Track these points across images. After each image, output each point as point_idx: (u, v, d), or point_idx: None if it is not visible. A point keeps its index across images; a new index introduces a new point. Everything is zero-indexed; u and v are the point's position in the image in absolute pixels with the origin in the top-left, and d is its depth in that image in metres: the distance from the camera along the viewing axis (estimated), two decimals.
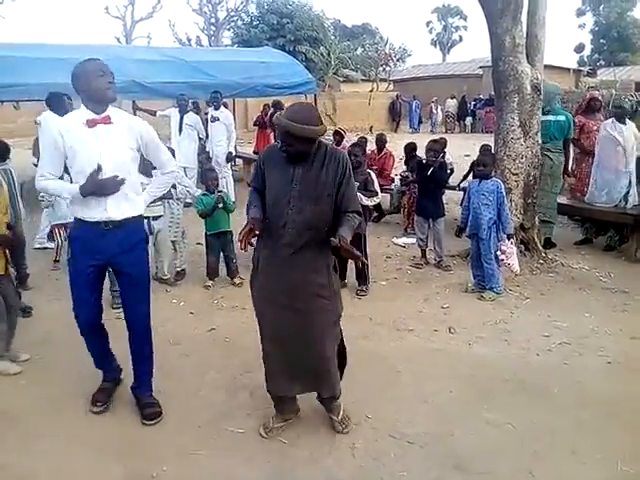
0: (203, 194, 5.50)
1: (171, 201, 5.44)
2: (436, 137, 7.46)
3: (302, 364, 2.87)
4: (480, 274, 5.23)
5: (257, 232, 2.72)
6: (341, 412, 3.06)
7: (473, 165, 6.59)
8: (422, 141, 7.25)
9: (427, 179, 6.00)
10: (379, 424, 3.12)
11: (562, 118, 6.45)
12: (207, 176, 5.62)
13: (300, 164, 2.69)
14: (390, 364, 3.81)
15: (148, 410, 3.18)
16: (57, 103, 6.43)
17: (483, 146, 7.18)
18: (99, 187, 2.86)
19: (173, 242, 5.57)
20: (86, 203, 2.93)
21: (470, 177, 6.82)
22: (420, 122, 24.78)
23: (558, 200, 6.66)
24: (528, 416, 3.24)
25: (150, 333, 3.28)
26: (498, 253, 5.06)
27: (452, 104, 24.15)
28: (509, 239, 5.10)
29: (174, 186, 5.43)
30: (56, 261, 5.80)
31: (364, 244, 5.18)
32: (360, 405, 3.21)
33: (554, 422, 3.19)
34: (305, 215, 2.68)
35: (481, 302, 5.05)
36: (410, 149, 7.99)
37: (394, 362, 3.85)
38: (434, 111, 24.72)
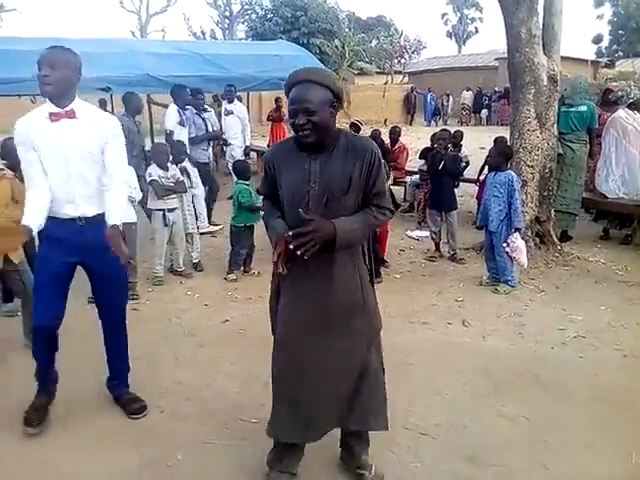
0: (245, 184, 5.45)
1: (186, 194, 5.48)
2: (451, 129, 7.40)
3: (328, 399, 2.40)
4: (494, 267, 5.20)
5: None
6: (374, 468, 2.62)
7: (488, 157, 6.56)
8: None
9: (440, 172, 5.98)
10: (392, 416, 3.08)
11: (583, 108, 6.36)
12: (246, 168, 5.64)
13: (317, 157, 2.24)
14: (403, 357, 3.81)
15: (134, 406, 3.17)
16: (178, 94, 6.72)
17: (497, 138, 7.12)
18: None
19: (188, 235, 5.61)
20: (56, 201, 2.80)
21: (486, 169, 6.78)
22: (436, 115, 24.65)
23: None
24: (542, 409, 3.23)
25: (125, 330, 3.21)
26: (504, 245, 5.03)
27: (468, 96, 24.01)
28: (517, 232, 5.03)
29: (188, 174, 5.50)
30: None
31: (374, 236, 5.17)
32: None
33: (568, 415, 3.18)
34: (327, 219, 2.20)
35: (495, 295, 5.03)
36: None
37: (407, 355, 3.85)
38: (445, 103, 24.64)
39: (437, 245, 6.19)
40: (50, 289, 2.90)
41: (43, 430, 2.97)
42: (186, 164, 5.81)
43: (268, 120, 13.06)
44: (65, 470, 2.73)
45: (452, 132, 6.98)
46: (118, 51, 9.08)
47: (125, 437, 2.97)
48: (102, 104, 10.68)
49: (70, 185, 2.79)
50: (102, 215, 2.90)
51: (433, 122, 24.12)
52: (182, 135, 6.74)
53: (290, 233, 2.16)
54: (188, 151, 6.58)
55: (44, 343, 3.00)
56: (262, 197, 2.55)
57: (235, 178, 5.98)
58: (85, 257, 2.94)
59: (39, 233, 2.91)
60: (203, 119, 7.36)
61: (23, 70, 7.60)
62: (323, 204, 2.24)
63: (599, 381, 3.54)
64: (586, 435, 2.99)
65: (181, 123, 6.79)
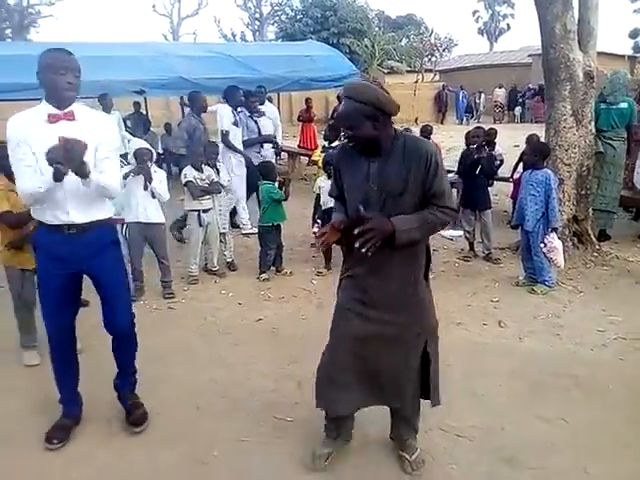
0: (269, 184, 5.50)
1: (220, 194, 5.54)
2: (485, 127, 7.28)
3: (377, 378, 2.59)
4: (531, 267, 5.11)
5: (339, 234, 2.41)
6: (416, 453, 2.73)
7: (522, 155, 6.44)
8: None
9: (474, 171, 5.91)
10: (429, 417, 3.07)
11: (624, 105, 6.21)
12: (271, 169, 5.70)
13: (375, 158, 2.37)
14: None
15: (137, 412, 3.09)
16: (231, 95, 6.84)
17: (529, 136, 6.99)
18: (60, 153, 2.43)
19: (222, 234, 5.67)
20: (46, 204, 2.69)
21: (520, 167, 6.66)
22: (468, 112, 24.38)
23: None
24: (581, 412, 3.17)
25: (133, 340, 3.06)
26: (541, 245, 4.93)
27: (500, 94, 23.67)
28: (554, 232, 4.91)
29: (218, 171, 5.57)
30: None
31: None
32: None
33: (609, 418, 3.10)
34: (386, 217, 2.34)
35: (532, 296, 4.94)
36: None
37: (443, 356, 3.73)
38: (477, 101, 24.40)
39: (471, 245, 6.11)
40: (53, 302, 2.85)
41: (63, 446, 2.92)
42: (219, 163, 5.86)
43: (299, 120, 13.08)
44: (102, 466, 2.78)
45: (486, 130, 6.86)
46: (151, 54, 9.24)
47: (161, 435, 3.01)
48: (136, 106, 10.87)
49: (63, 189, 2.65)
50: (95, 223, 2.80)
51: (465, 120, 23.86)
52: (237, 136, 6.82)
53: (342, 226, 2.38)
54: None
55: (59, 357, 2.96)
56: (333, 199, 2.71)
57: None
58: (82, 265, 2.83)
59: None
60: (255, 122, 7.40)
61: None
62: (381, 204, 2.36)
63: None
64: (627, 438, 2.92)
65: (235, 124, 6.84)
